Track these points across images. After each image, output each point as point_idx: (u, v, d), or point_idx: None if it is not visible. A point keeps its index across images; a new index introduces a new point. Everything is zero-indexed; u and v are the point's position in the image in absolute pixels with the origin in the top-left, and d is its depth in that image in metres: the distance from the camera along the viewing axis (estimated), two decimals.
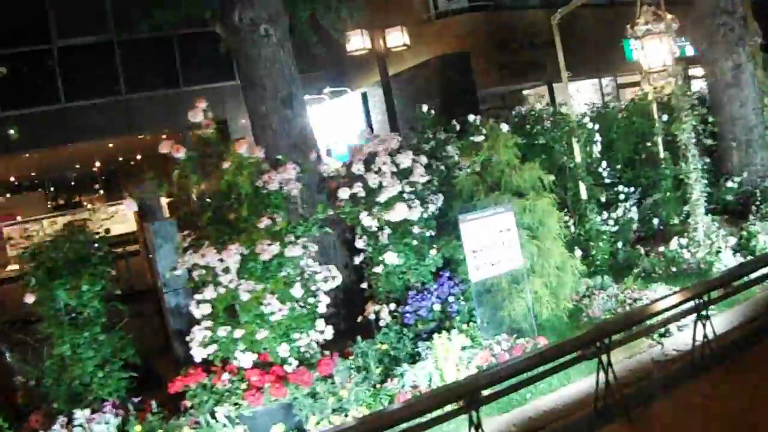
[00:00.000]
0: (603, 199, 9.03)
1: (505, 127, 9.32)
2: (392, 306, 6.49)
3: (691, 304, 5.47)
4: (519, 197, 6.87)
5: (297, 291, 5.29)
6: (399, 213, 6.05)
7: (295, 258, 5.30)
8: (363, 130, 10.36)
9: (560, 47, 8.91)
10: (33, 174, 22.42)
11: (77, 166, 22.58)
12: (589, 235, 8.38)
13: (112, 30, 16.94)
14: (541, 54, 17.18)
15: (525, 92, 17.91)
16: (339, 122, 16.94)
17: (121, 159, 21.68)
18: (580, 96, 17.02)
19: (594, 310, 6.72)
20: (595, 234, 8.35)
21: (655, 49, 8.36)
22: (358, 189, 6.37)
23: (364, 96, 16.67)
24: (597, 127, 9.57)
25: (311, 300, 5.44)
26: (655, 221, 9.29)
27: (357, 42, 14.26)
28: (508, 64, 16.71)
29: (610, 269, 8.08)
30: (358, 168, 6.36)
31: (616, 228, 8.66)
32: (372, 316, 6.54)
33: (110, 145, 18.53)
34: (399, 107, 16.30)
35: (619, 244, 8.55)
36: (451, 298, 6.48)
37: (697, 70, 14.09)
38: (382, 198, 6.31)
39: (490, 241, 5.98)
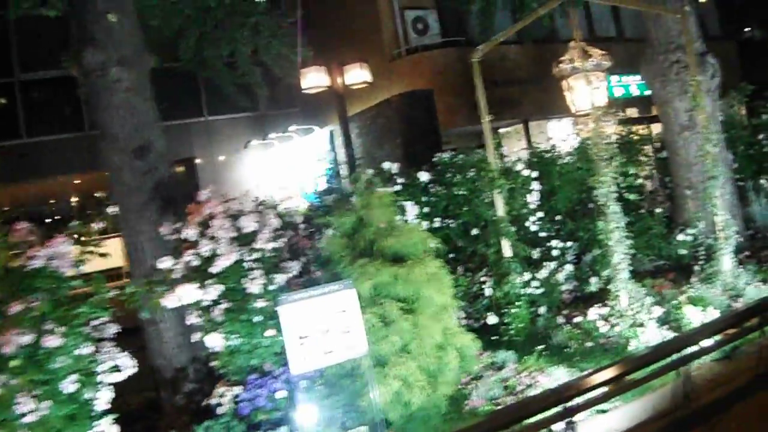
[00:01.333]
0: (534, 256, 7.98)
1: (424, 176, 8.43)
2: (238, 390, 5.48)
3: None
4: (397, 263, 5.83)
5: (68, 386, 4.29)
6: (183, 295, 5.04)
7: (67, 347, 4.32)
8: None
9: (482, 88, 7.88)
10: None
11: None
12: (508, 299, 7.29)
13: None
14: (516, 91, 16.17)
15: (501, 131, 16.82)
16: (306, 161, 16.05)
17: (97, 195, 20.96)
18: (559, 135, 15.95)
19: (476, 398, 5.60)
20: (515, 298, 7.25)
21: (582, 90, 7.29)
22: (191, 257, 5.40)
23: (332, 134, 15.79)
24: (536, 174, 8.57)
25: (88, 395, 4.44)
26: (594, 281, 8.12)
27: (313, 79, 13.40)
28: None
29: (525, 340, 6.95)
30: (187, 233, 5.40)
31: (541, 290, 7.52)
32: (215, 401, 5.53)
33: (76, 181, 17.87)
34: (365, 146, 15.37)
35: (543, 309, 7.40)
36: (304, 383, 5.42)
37: None
38: (216, 268, 5.34)
39: (324, 325, 4.91)
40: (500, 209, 7.59)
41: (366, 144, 14.88)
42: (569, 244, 8.31)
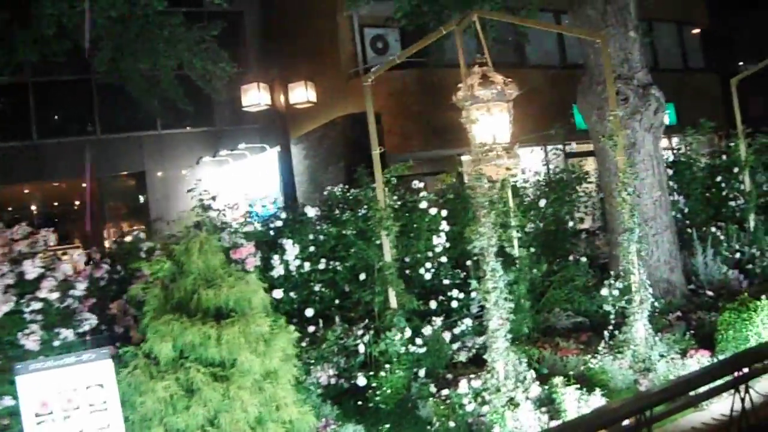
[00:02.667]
0: (434, 307, 6.90)
1: (311, 212, 7.38)
2: None
3: None
4: (220, 320, 4.77)
5: None
6: None
7: None
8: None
9: (372, 115, 6.82)
10: None
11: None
12: (387, 358, 6.18)
13: (29, 72, 15.44)
14: None
15: (463, 158, 15.71)
16: (256, 180, 15.04)
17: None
18: (530, 164, 14.86)
19: None
20: (394, 357, 6.14)
21: (483, 122, 6.21)
22: None
23: (288, 152, 14.78)
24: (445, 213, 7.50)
25: None
26: None
27: (253, 97, 12.44)
28: (442, 125, 14.63)
29: (393, 410, 5.83)
30: None
31: (424, 349, 6.40)
32: None
33: (26, 190, 16.94)
34: (311, 168, 14.33)
35: (422, 373, 6.26)
36: None
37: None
38: None
39: (69, 402, 3.84)
40: (387, 253, 6.50)
41: (312, 166, 13.87)
42: (474, 294, 7.17)
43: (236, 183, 15.36)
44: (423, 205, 7.40)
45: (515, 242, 7.35)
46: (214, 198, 7.05)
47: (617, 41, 8.06)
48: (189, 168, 16.33)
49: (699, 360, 5.85)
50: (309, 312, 6.78)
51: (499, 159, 6.06)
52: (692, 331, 6.77)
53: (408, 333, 6.28)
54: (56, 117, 15.61)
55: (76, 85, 15.47)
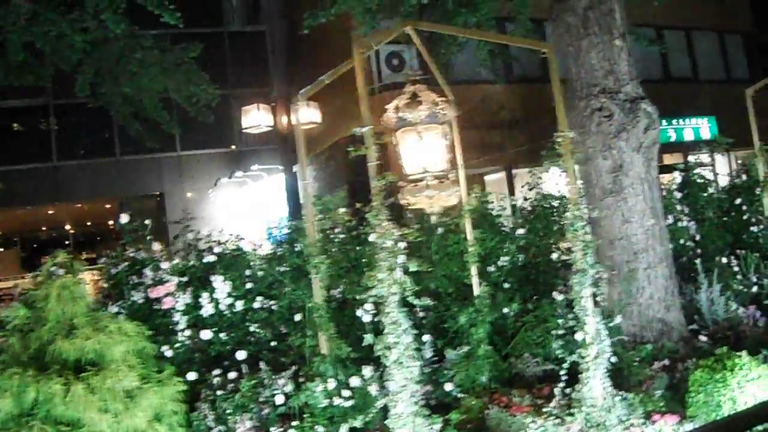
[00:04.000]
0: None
1: (247, 246, 6.71)
2: None
3: None
4: (80, 373, 4.19)
5: None
6: None
7: None
8: None
9: (301, 135, 6.11)
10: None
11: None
12: (310, 410, 5.43)
13: (49, 94, 15.48)
14: (499, 135, 14.16)
15: (486, 178, 14.77)
16: (270, 202, 14.56)
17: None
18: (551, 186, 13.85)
19: None
20: (315, 409, 5.38)
21: (412, 148, 5.41)
22: None
23: (295, 175, 14.22)
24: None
25: None
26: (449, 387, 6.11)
27: (254, 118, 11.94)
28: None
29: None
30: None
31: (350, 403, 5.59)
32: None
33: (50, 212, 16.99)
34: (319, 190, 13.70)
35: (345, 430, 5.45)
36: None
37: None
38: None
39: None
40: (317, 293, 5.74)
41: (320, 188, 13.24)
42: (427, 338, 6.32)
43: (252, 204, 14.94)
44: (372, 237, 6.59)
45: (474, 279, 6.46)
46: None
47: (600, 51, 7.08)
48: (209, 189, 16.00)
49: (662, 429, 4.83)
50: (241, 354, 6.12)
51: (429, 190, 5.23)
52: (672, 387, 5.71)
53: (332, 384, 5.48)
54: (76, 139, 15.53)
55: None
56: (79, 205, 16.33)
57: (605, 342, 5.13)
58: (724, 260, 7.94)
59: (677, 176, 8.77)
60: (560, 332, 6.19)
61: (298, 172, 6.09)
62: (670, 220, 8.21)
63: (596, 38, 7.07)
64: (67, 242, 21.99)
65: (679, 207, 8.35)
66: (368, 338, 4.79)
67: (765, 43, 17.01)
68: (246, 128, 12.13)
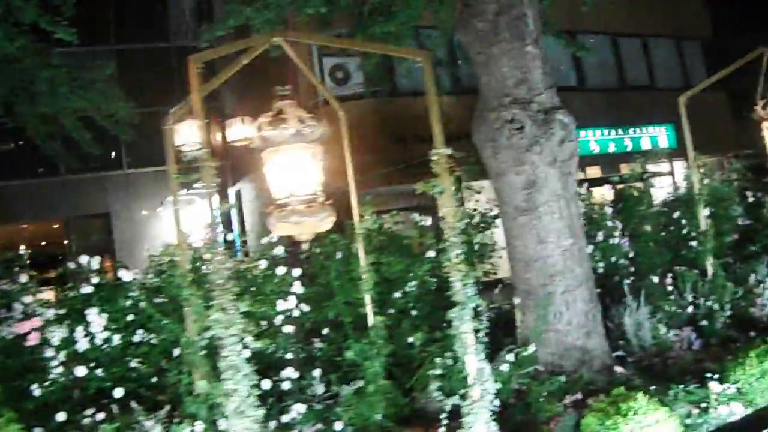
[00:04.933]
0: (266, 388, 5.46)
1: (127, 275, 6.12)
2: None
3: None
4: None
5: None
6: None
7: None
8: None
9: (173, 156, 5.54)
10: None
11: None
12: None
13: None
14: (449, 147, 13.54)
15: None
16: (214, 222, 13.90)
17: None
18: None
19: None
20: None
21: (280, 171, 4.84)
22: None
23: (238, 194, 13.65)
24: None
25: None
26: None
27: (186, 135, 11.32)
28: (404, 160, 13.21)
29: None
30: None
31: None
32: None
33: None
34: (260, 210, 13.12)
35: None
36: None
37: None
38: None
39: None
40: (190, 327, 5.16)
41: (260, 208, 12.67)
42: (317, 372, 5.72)
43: (197, 224, 14.34)
44: (263, 264, 6.05)
45: (369, 308, 5.87)
46: None
47: (512, 58, 6.53)
48: (158, 208, 15.39)
49: None
50: (118, 392, 5.52)
51: (295, 215, 4.66)
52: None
53: (199, 427, 4.88)
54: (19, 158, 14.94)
55: None
56: (25, 226, 15.68)
57: (488, 382, 4.53)
58: (657, 279, 7.34)
59: (609, 189, 8.23)
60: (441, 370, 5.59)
61: (172, 198, 5.57)
62: (601, 236, 7.67)
63: (507, 45, 6.53)
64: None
65: (611, 223, 7.77)
66: (201, 385, 4.18)
67: (724, 49, 16.49)
68: (178, 146, 11.51)
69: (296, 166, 4.79)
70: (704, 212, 7.64)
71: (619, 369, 6.48)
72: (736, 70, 8.34)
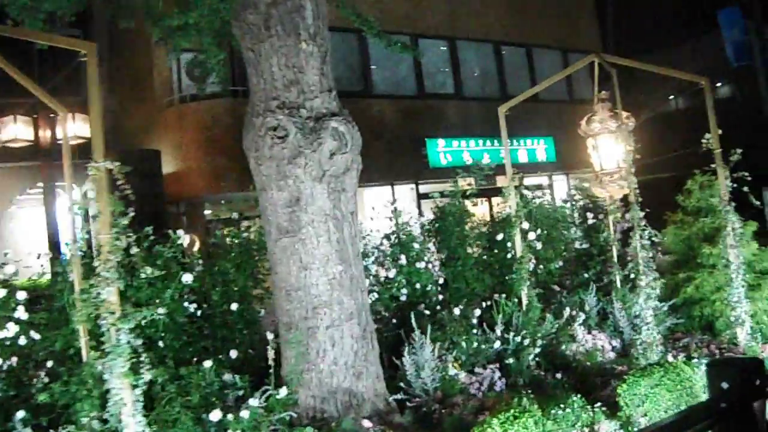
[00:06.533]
0: None
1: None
2: None
3: None
4: None
5: None
6: None
7: None
8: None
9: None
10: None
11: None
12: None
13: None
14: None
15: None
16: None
17: None
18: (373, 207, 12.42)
19: None
20: None
21: None
22: None
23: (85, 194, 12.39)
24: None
25: None
26: None
27: (11, 131, 10.11)
28: None
29: None
30: None
31: None
32: None
33: None
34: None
35: None
36: None
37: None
38: None
39: None
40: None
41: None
42: (21, 414, 4.63)
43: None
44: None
45: (83, 341, 4.82)
46: None
47: (284, 56, 5.56)
48: (9, 206, 14.01)
49: None
50: None
51: None
52: None
53: None
54: None
55: None
56: None
57: None
58: (459, 310, 6.46)
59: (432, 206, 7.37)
60: None
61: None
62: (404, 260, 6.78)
63: (279, 41, 5.56)
64: None
65: (417, 245, 6.89)
66: None
67: (613, 63, 16.00)
68: (4, 142, 10.28)
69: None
70: (520, 235, 6.81)
71: (396, 416, 5.59)
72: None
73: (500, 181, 11.54)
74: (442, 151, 12.96)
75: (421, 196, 13.32)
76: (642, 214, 6.22)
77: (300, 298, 5.46)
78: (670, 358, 6.06)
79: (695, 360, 6.01)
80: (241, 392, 5.57)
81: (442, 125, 13.22)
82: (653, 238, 6.27)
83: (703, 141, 7.08)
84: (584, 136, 7.13)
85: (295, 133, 5.42)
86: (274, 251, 5.59)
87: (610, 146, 6.70)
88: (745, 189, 6.99)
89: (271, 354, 5.50)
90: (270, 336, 5.48)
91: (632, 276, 6.11)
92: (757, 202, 7.18)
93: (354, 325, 5.55)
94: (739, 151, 7.16)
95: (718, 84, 27.15)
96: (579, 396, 5.06)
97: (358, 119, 13.79)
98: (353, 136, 5.66)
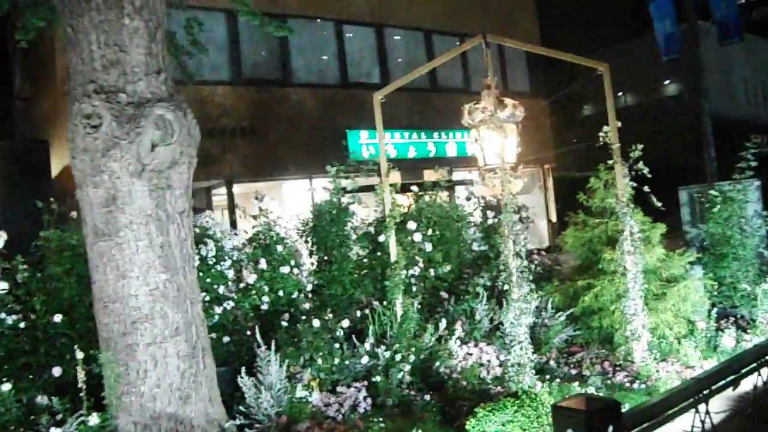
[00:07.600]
0: None
1: None
2: None
3: None
4: None
5: None
6: None
7: None
8: None
9: None
10: None
11: None
12: None
13: None
14: (219, 143, 11.70)
15: (214, 192, 12.35)
16: None
17: None
18: (291, 202, 11.69)
19: None
20: None
21: None
22: None
23: None
24: None
25: None
26: None
27: None
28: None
29: None
30: None
31: None
32: None
33: None
34: None
35: None
36: None
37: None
38: None
39: None
40: None
41: None
42: None
43: None
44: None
45: None
46: None
47: (103, 32, 4.80)
48: None
49: None
50: None
51: None
52: None
53: None
54: None
55: None
56: None
57: None
58: (319, 322, 5.76)
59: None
60: None
61: None
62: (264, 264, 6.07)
63: (99, 14, 4.79)
64: None
65: (281, 248, 6.19)
66: None
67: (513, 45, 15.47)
68: None
69: None
70: (394, 237, 6.14)
71: None
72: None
73: (427, 176, 10.89)
74: (364, 143, 12.25)
75: (346, 192, 12.52)
76: (516, 217, 5.56)
77: (118, 311, 4.73)
78: (539, 386, 5.36)
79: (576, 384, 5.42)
80: (60, 415, 4.89)
81: (365, 116, 12.52)
82: (527, 244, 5.63)
83: (601, 135, 6.47)
84: (467, 127, 6.43)
85: (109, 122, 4.68)
86: (91, 256, 4.85)
87: (494, 139, 6.00)
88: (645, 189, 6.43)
89: (81, 375, 4.80)
90: (80, 355, 4.78)
91: (505, 288, 5.44)
92: (659, 204, 6.58)
93: (180, 341, 4.84)
94: (640, 146, 6.58)
95: (666, 81, 26.84)
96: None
97: (275, 110, 12.95)
98: (183, 125, 4.90)
